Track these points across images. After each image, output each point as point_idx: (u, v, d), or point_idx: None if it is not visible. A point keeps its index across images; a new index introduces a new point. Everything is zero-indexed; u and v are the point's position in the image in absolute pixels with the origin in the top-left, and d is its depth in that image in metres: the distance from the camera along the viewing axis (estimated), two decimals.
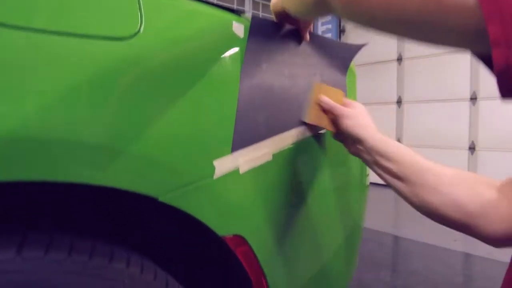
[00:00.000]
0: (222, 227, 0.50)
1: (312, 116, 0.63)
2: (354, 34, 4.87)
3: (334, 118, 0.62)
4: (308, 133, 0.65)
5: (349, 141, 0.61)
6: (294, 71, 0.63)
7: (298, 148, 0.63)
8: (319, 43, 0.69)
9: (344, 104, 0.63)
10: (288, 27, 0.62)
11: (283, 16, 0.59)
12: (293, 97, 0.63)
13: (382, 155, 0.54)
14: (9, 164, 0.34)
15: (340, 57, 0.74)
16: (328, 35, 4.90)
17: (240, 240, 0.52)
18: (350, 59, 0.76)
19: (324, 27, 5.12)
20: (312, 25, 0.65)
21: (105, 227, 0.51)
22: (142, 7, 0.44)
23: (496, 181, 0.47)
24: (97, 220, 0.51)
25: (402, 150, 0.54)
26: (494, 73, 0.28)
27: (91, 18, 0.40)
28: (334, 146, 0.72)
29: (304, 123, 0.64)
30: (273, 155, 0.56)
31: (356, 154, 0.60)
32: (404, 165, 0.51)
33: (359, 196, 0.90)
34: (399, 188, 0.52)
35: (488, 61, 0.30)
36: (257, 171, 0.54)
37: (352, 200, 0.88)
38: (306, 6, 0.50)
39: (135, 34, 0.43)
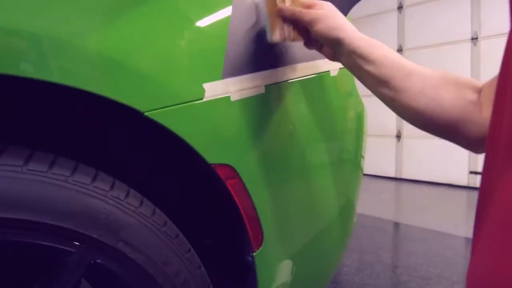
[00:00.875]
0: (211, 154, 0.48)
1: (278, 32, 0.53)
2: None
3: (302, 26, 0.53)
4: (307, 72, 0.62)
5: (325, 47, 0.55)
6: None
7: (296, 86, 0.60)
8: None
9: (307, 5, 0.54)
10: None
11: None
12: None
13: (363, 57, 0.48)
14: None
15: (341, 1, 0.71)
16: None
17: (231, 171, 0.50)
18: (349, 7, 0.73)
19: None
20: None
21: (92, 151, 0.49)
22: None
23: (480, 83, 0.45)
24: (85, 146, 0.50)
25: (384, 51, 0.48)
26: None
27: None
28: (334, 92, 0.70)
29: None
30: (266, 88, 0.54)
31: (335, 59, 0.55)
32: (387, 68, 0.46)
33: (353, 167, 0.85)
34: (382, 92, 0.48)
35: None
36: (249, 102, 0.52)
37: (346, 166, 0.84)
38: None
39: None
